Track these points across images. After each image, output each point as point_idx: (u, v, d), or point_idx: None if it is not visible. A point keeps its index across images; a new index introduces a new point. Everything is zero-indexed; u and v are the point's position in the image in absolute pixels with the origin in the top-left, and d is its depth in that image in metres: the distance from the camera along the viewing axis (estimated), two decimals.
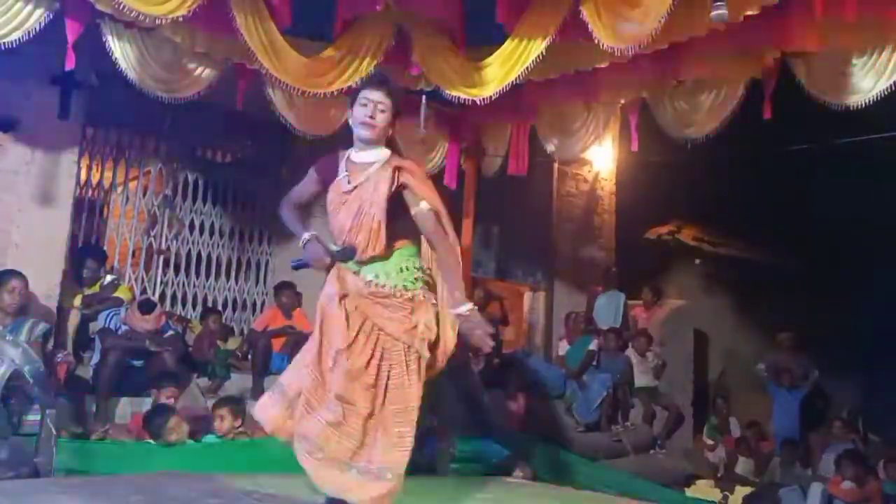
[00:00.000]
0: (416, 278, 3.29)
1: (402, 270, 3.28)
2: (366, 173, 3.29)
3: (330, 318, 3.29)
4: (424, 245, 3.43)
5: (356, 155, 3.37)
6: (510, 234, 9.28)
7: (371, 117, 3.28)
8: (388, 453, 3.16)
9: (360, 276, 3.28)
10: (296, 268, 3.51)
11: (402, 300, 3.25)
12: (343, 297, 3.28)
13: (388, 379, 3.21)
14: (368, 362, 3.19)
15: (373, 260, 3.27)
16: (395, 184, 3.26)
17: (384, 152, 3.35)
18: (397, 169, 3.28)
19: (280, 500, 4.13)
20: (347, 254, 3.27)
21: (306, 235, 3.34)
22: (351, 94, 3.48)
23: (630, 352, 8.46)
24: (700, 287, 10.69)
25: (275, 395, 3.37)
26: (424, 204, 3.28)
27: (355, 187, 3.28)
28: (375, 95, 3.30)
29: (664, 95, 6.13)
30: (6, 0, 4.76)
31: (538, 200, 9.41)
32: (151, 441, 5.07)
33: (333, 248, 3.31)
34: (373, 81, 3.50)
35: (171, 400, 5.50)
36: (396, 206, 3.27)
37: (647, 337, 8.60)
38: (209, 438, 5.33)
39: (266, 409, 3.36)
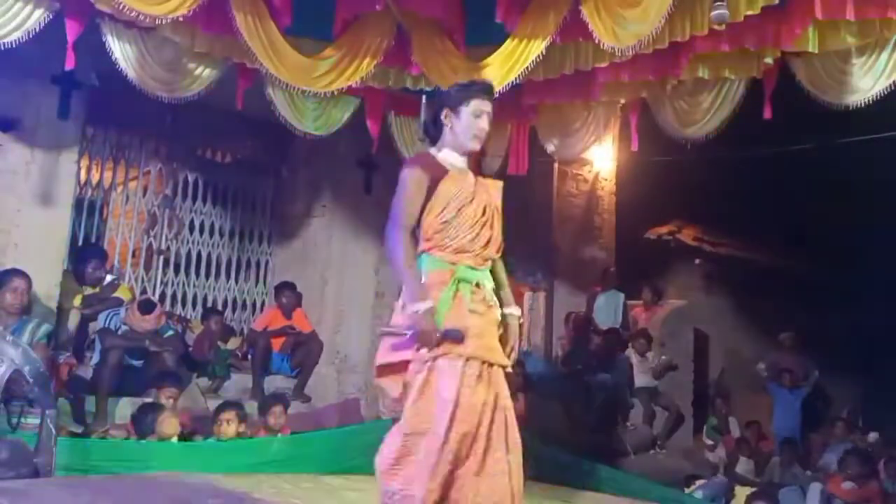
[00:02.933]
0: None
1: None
2: (470, 178, 3.25)
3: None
4: None
5: (456, 159, 3.25)
6: (510, 234, 9.23)
7: (486, 130, 3.23)
8: None
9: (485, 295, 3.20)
10: (389, 335, 3.04)
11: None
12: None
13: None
14: None
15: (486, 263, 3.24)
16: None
17: None
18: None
19: (280, 501, 4.14)
20: (457, 337, 2.94)
21: (427, 305, 2.92)
22: (448, 97, 3.26)
23: (630, 352, 8.46)
24: (700, 287, 10.66)
25: None
26: None
27: (473, 190, 3.21)
28: (489, 108, 3.22)
29: (664, 95, 6.12)
30: (6, 0, 4.76)
31: (538, 200, 9.40)
32: (144, 440, 5.06)
33: (445, 329, 2.91)
34: (484, 90, 3.21)
35: (171, 400, 5.49)
36: None
37: (647, 337, 8.59)
38: (210, 441, 5.32)
39: None
